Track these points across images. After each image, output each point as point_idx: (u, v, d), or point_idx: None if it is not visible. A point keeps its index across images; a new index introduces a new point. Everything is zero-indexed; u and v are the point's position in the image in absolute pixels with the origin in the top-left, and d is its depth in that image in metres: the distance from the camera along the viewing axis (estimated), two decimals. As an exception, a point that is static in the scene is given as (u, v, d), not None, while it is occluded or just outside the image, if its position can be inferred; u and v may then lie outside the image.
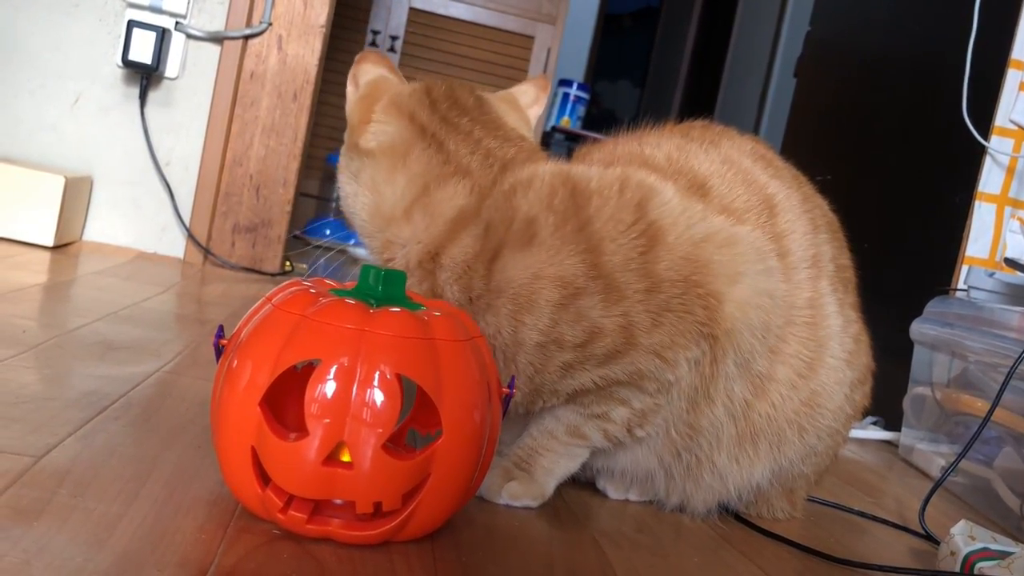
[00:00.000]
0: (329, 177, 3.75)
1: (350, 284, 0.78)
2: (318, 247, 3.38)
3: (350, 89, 1.03)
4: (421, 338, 0.69)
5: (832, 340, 0.96)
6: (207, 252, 2.14)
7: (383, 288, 0.74)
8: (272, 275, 2.17)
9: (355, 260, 3.38)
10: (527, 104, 1.05)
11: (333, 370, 0.66)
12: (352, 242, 3.50)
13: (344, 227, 3.66)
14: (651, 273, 0.83)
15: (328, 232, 3.57)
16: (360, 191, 0.96)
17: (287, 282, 0.75)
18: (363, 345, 0.67)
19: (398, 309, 0.71)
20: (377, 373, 0.67)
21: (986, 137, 1.64)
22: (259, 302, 0.74)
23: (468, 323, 0.75)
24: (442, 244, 0.89)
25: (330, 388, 0.66)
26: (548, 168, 0.91)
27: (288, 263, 2.27)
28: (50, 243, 1.92)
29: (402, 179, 0.93)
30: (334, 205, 3.77)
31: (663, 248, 0.84)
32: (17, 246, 1.87)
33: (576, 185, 0.88)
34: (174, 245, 2.15)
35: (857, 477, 1.40)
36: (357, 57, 1.03)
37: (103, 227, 2.12)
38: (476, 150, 0.94)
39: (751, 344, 0.89)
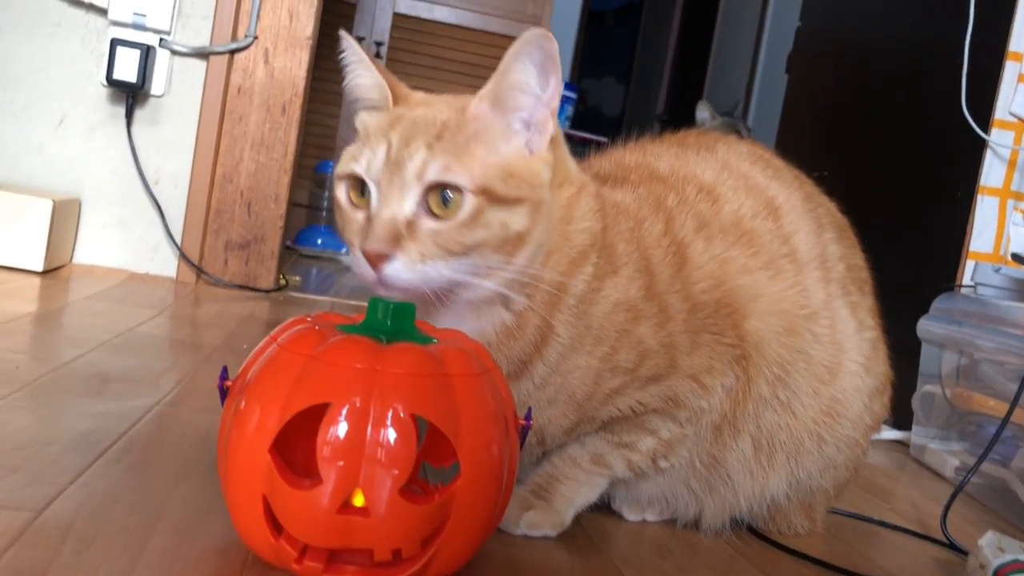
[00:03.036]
0: (319, 185, 3.71)
1: (357, 318, 0.75)
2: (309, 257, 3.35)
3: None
4: (435, 375, 0.66)
5: (848, 343, 0.94)
6: (200, 271, 2.10)
7: (392, 322, 0.72)
8: (267, 291, 2.14)
9: (347, 268, 3.35)
10: None
11: (345, 411, 0.64)
12: (344, 251, 3.47)
13: (334, 235, 3.62)
14: (690, 295, 0.85)
15: (319, 241, 3.54)
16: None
17: (291, 319, 0.72)
18: (375, 385, 0.64)
19: (409, 345, 0.69)
20: (391, 413, 0.64)
21: (986, 130, 1.62)
22: (264, 341, 0.71)
23: (482, 355, 0.72)
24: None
25: (342, 430, 0.63)
26: (601, 188, 0.91)
27: (283, 278, 2.24)
28: (40, 268, 1.88)
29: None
30: (324, 214, 3.73)
31: (691, 266, 0.86)
32: (6, 272, 1.83)
33: (622, 207, 0.89)
34: (166, 265, 2.11)
35: (871, 481, 1.38)
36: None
37: (93, 249, 2.09)
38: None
39: (779, 354, 0.89)
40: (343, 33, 0.80)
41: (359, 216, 0.78)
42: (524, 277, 0.80)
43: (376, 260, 0.74)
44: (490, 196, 0.76)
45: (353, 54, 0.81)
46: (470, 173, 0.76)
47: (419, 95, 0.84)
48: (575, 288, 0.82)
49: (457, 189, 0.75)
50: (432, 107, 0.80)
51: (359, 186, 0.78)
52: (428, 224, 0.75)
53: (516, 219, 0.77)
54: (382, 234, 0.74)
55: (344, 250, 3.52)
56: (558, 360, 0.82)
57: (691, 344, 0.85)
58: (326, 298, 2.27)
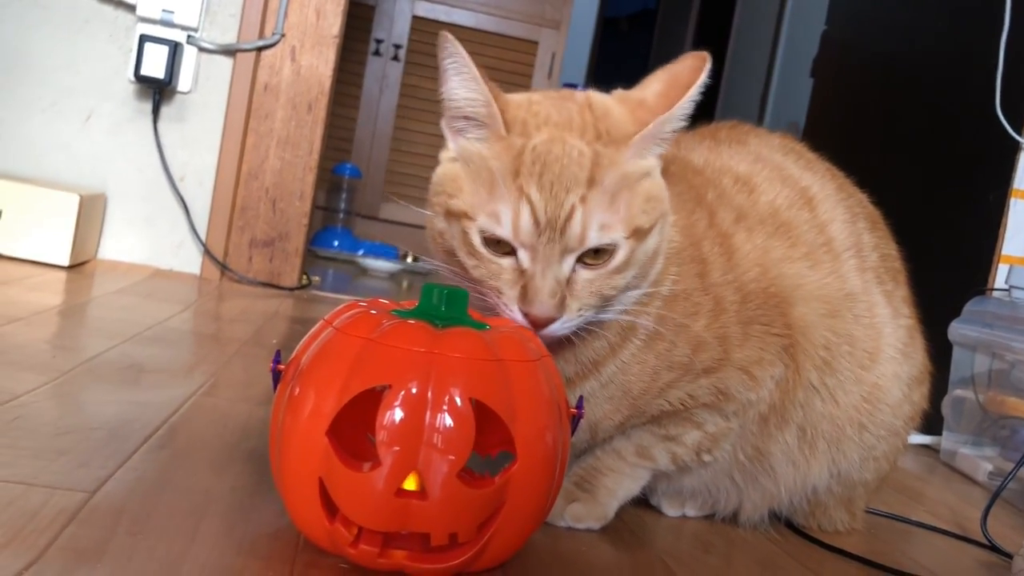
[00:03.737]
0: (337, 187, 3.71)
1: (409, 303, 0.75)
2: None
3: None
4: (491, 359, 0.66)
5: (886, 327, 0.94)
6: (224, 268, 2.11)
7: (446, 308, 0.71)
8: (291, 289, 2.14)
9: (363, 271, 3.34)
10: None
11: (403, 395, 0.63)
12: (360, 252, 3.46)
13: (351, 237, 3.62)
14: (742, 285, 0.84)
15: (336, 243, 3.53)
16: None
17: (345, 304, 0.72)
18: (433, 368, 0.64)
19: (465, 329, 0.68)
20: (448, 397, 0.64)
21: (1020, 132, 1.61)
22: (319, 325, 0.70)
23: (535, 342, 0.72)
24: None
25: (400, 414, 0.63)
26: None
27: (306, 277, 2.24)
28: (66, 262, 1.89)
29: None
30: (342, 216, 3.73)
31: (739, 255, 0.85)
32: (33, 266, 1.84)
33: (673, 203, 0.87)
34: (190, 261, 2.12)
35: (902, 484, 1.37)
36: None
37: (118, 245, 2.09)
38: None
39: (825, 337, 0.88)
40: (447, 35, 0.75)
41: (506, 263, 0.74)
42: (644, 295, 0.79)
43: (542, 323, 0.73)
44: (639, 234, 0.75)
45: (460, 62, 0.75)
46: (623, 222, 0.73)
47: (515, 107, 0.76)
48: (663, 289, 0.81)
49: (615, 244, 0.74)
50: (556, 133, 0.74)
51: (496, 239, 0.74)
52: (583, 275, 0.74)
53: (653, 240, 0.77)
54: (549, 301, 0.72)
55: (361, 251, 3.51)
56: (630, 359, 0.82)
57: (743, 335, 0.84)
58: (350, 297, 2.26)
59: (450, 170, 0.77)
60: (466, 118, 0.77)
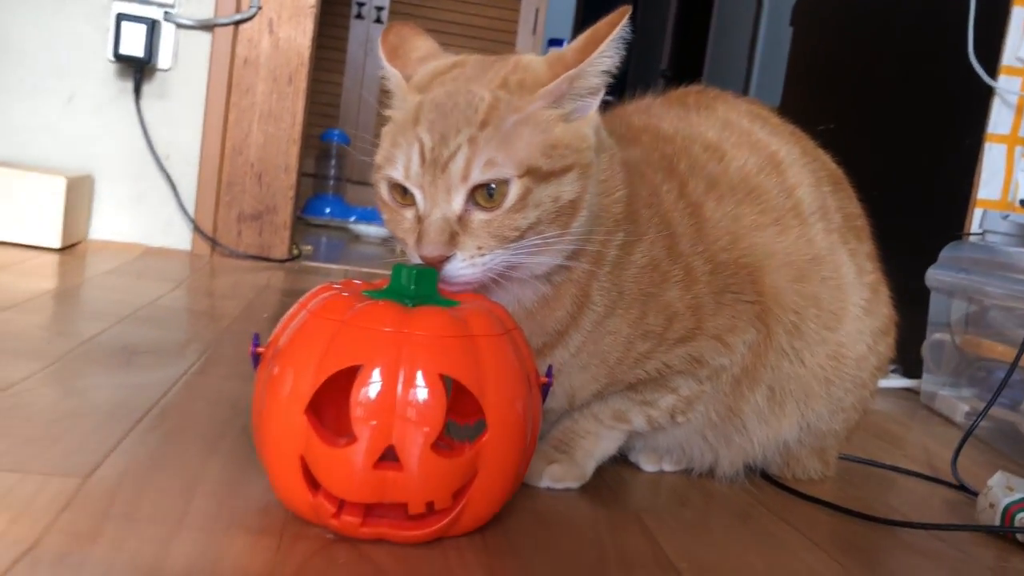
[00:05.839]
0: (325, 154, 3.72)
1: (381, 283, 0.77)
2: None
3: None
4: (460, 336, 0.69)
5: (851, 288, 0.98)
6: (214, 243, 2.13)
7: (416, 287, 0.74)
8: (281, 261, 2.17)
9: (356, 237, 3.36)
10: None
11: (376, 373, 0.66)
12: (352, 218, 3.48)
13: (343, 204, 3.63)
14: (712, 255, 0.87)
15: (328, 210, 3.55)
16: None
17: (319, 286, 0.75)
18: (404, 347, 0.67)
19: (435, 308, 0.71)
20: (420, 373, 0.67)
21: (994, 77, 1.62)
22: (294, 307, 0.73)
23: (503, 316, 0.75)
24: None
25: (374, 391, 0.66)
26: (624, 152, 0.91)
27: (296, 248, 2.26)
28: (57, 245, 1.91)
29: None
30: (332, 183, 3.74)
31: (709, 225, 0.88)
32: (24, 250, 1.86)
33: (638, 171, 0.89)
34: (180, 238, 2.14)
35: (882, 428, 1.41)
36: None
37: (108, 225, 2.11)
38: None
39: (795, 301, 0.92)
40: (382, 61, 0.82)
41: (408, 214, 0.77)
42: (579, 244, 0.80)
43: (437, 263, 0.74)
44: (535, 175, 0.75)
45: (384, 68, 0.83)
46: (515, 160, 0.74)
47: (423, 73, 0.81)
48: (609, 255, 0.83)
49: (502, 180, 0.74)
50: (456, 83, 0.77)
51: (400, 186, 0.77)
52: (479, 216, 0.74)
53: (566, 188, 0.76)
54: (438, 238, 0.73)
55: (353, 218, 3.52)
56: (593, 328, 0.84)
57: (715, 305, 0.87)
58: (339, 266, 2.29)
59: (382, 138, 0.81)
60: (386, 92, 0.83)
